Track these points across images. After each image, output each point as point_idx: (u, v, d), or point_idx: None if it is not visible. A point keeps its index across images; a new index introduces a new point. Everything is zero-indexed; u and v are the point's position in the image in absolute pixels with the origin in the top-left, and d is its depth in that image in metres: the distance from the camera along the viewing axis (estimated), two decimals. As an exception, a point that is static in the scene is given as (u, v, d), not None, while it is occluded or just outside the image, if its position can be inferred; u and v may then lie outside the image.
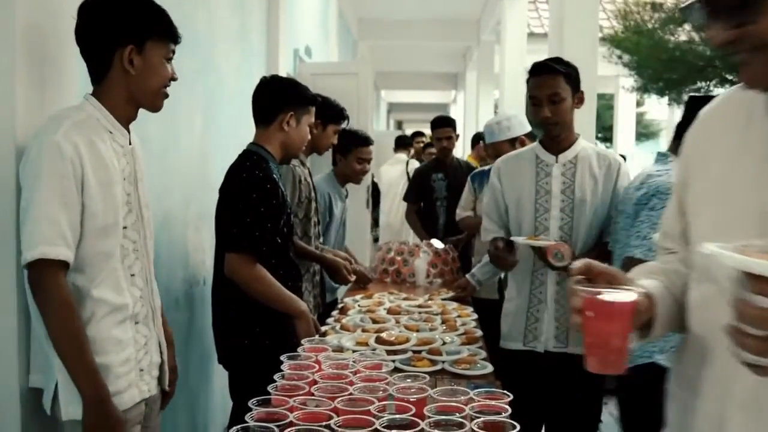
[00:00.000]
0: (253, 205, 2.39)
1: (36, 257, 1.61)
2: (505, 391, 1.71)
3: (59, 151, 1.64)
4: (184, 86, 3.11)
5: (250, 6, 4.44)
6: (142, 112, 1.90)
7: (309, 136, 2.74)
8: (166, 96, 1.88)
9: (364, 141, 3.78)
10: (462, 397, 1.66)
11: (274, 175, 2.49)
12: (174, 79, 1.87)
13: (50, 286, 1.63)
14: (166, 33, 1.83)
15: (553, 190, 2.59)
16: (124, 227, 1.79)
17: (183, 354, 3.16)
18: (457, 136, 5.27)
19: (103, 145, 1.74)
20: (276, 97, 2.62)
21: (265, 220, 2.40)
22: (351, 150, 3.73)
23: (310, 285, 3.26)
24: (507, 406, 1.59)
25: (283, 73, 4.55)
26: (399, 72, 15.16)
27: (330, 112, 3.40)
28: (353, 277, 3.45)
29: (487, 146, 3.99)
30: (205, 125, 3.45)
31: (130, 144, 1.85)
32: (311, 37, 6.75)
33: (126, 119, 1.84)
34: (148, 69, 1.79)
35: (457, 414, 1.55)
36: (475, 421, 1.49)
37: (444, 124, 5.11)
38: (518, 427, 1.47)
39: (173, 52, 1.86)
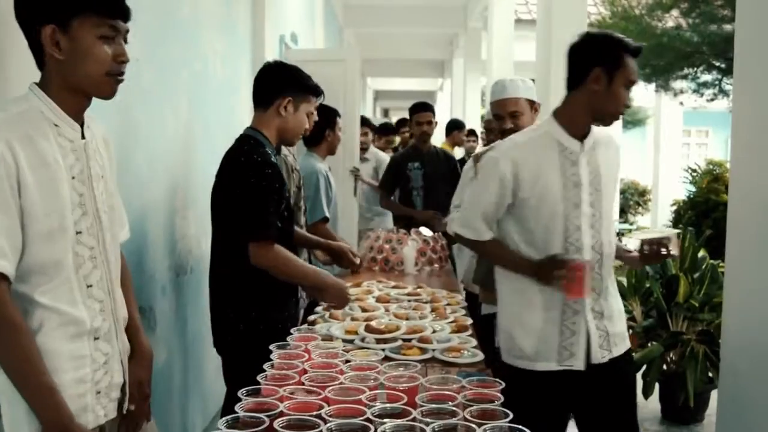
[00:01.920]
0: (255, 191, 2.39)
1: None
2: (497, 380, 1.71)
3: None
4: (170, 73, 3.07)
5: (235, -9, 4.38)
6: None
7: (306, 125, 2.71)
8: (119, 81, 1.59)
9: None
10: (454, 386, 1.65)
11: (273, 159, 2.47)
12: (123, 61, 1.57)
13: None
14: (97, 6, 1.53)
15: (583, 182, 2.19)
16: (78, 232, 1.56)
17: (170, 343, 3.14)
18: (437, 122, 5.22)
19: (45, 140, 1.51)
20: (275, 82, 2.61)
21: (269, 204, 2.41)
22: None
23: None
24: (499, 394, 1.58)
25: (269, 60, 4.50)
26: (385, 59, 15.10)
27: None
28: (358, 260, 3.45)
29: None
30: (190, 112, 3.40)
31: (83, 138, 1.60)
32: (297, 23, 6.69)
33: (75, 110, 1.58)
34: (78, 52, 1.52)
35: (450, 402, 1.54)
36: (468, 409, 1.48)
37: (424, 108, 5.06)
38: (511, 415, 1.46)
39: (114, 28, 1.55)
